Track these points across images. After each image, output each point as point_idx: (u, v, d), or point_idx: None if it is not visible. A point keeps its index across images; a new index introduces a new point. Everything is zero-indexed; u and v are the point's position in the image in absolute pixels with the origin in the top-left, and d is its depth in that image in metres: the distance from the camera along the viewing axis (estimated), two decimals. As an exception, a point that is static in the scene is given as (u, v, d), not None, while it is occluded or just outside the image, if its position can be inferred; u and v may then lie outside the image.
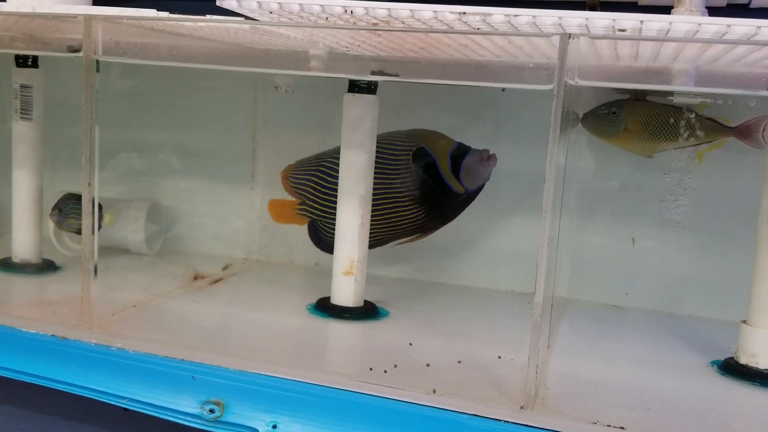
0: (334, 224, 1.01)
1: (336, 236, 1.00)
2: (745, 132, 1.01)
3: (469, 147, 1.06)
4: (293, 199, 1.13)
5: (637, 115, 1.07)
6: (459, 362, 0.84)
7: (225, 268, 1.20)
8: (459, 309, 1.08)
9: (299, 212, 1.13)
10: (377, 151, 0.98)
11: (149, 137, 1.26)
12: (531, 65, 0.66)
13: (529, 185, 1.15)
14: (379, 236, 1.08)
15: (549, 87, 0.67)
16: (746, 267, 0.87)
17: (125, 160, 1.25)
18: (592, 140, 1.12)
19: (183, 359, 0.80)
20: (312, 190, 1.11)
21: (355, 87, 0.97)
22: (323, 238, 1.12)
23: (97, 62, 0.83)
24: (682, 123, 1.04)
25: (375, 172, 1.00)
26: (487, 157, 1.05)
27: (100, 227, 0.89)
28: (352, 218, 0.98)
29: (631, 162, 1.11)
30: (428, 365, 0.82)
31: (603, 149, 1.12)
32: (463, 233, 1.18)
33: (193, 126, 1.26)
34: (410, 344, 0.89)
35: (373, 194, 1.00)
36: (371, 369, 0.79)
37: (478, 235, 1.19)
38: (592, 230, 1.15)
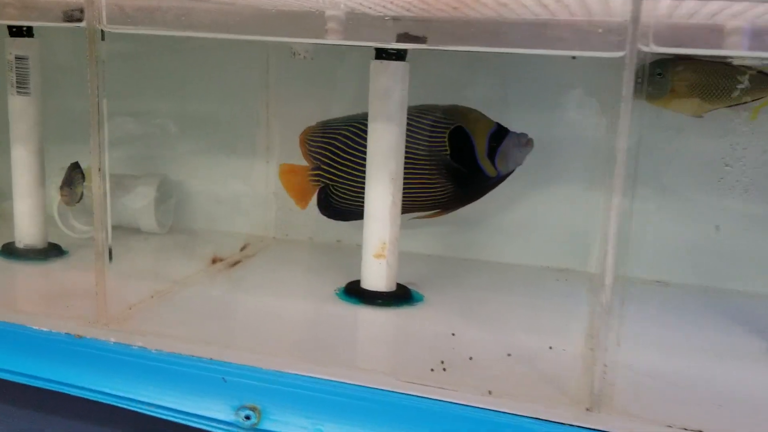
0: (346, 190, 0.98)
1: (366, 216, 0.92)
2: None
3: (508, 129, 0.99)
4: (306, 164, 1.06)
5: (684, 75, 1.00)
6: (509, 355, 0.78)
7: (243, 248, 1.13)
8: (495, 290, 1.02)
9: (312, 178, 1.06)
10: (410, 122, 0.91)
11: (156, 107, 1.17)
12: (600, 30, 0.58)
13: (564, 155, 1.08)
14: None
15: (620, 54, 0.59)
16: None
17: (131, 132, 1.16)
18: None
19: (212, 359, 0.74)
20: (330, 154, 1.04)
21: (382, 53, 0.88)
22: (333, 203, 1.06)
23: (102, 31, 0.74)
24: (735, 80, 0.97)
25: (405, 143, 0.93)
26: (526, 142, 0.99)
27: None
28: (382, 197, 0.91)
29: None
30: (471, 359, 0.76)
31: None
32: (491, 206, 1.11)
33: (202, 95, 1.17)
34: (453, 335, 0.83)
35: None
36: (432, 370, 0.72)
37: (507, 207, 1.12)
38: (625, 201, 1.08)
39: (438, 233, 1.15)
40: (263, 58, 1.15)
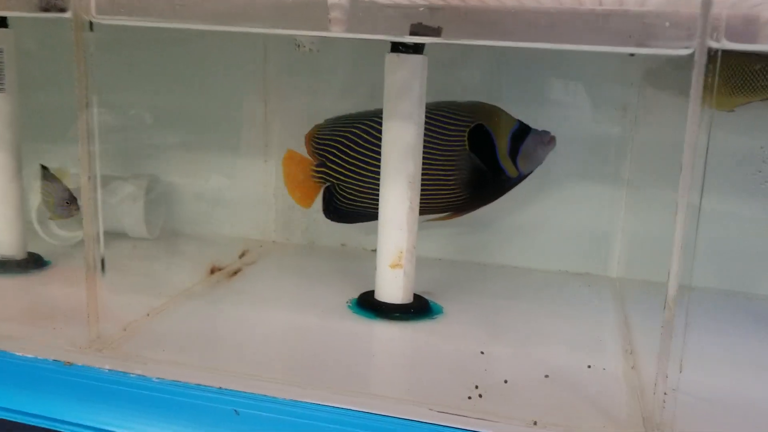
0: (353, 190, 0.92)
1: (381, 223, 0.85)
2: None
3: (530, 127, 0.92)
4: (310, 159, 0.99)
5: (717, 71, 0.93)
6: (546, 377, 0.71)
7: (242, 255, 1.05)
8: (515, 298, 0.95)
9: (315, 175, 0.99)
10: (427, 120, 0.84)
11: (145, 103, 1.08)
12: (667, 23, 0.51)
13: (581, 152, 1.01)
14: None
15: (687, 52, 0.52)
16: None
17: (117, 130, 1.07)
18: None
19: (221, 387, 0.66)
20: (337, 152, 0.96)
21: (399, 45, 0.81)
22: (338, 205, 0.99)
23: (91, 22, 0.66)
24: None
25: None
26: (548, 140, 0.92)
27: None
28: (399, 202, 0.83)
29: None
30: (506, 382, 0.69)
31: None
32: (504, 206, 1.04)
33: (194, 89, 1.08)
34: (482, 353, 0.76)
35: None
36: (469, 398, 0.65)
37: (521, 207, 1.06)
38: (649, 200, 1.02)
39: (448, 235, 1.08)
40: (260, 51, 1.07)
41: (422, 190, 0.89)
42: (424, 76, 0.81)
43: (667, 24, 0.51)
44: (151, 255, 1.04)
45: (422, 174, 0.88)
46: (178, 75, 1.09)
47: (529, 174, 0.95)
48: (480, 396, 0.66)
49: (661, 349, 0.58)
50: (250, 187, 1.12)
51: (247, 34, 1.04)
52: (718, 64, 0.51)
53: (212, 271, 0.96)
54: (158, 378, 0.68)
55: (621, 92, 0.99)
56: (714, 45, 0.51)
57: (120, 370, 0.69)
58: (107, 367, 0.69)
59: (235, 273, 0.99)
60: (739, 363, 0.78)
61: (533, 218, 1.06)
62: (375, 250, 1.12)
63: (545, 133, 0.93)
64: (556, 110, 1.01)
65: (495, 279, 1.02)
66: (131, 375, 0.68)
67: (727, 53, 0.94)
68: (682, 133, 0.99)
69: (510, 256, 1.07)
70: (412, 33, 0.74)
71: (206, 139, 1.10)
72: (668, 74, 0.96)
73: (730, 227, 0.99)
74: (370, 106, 0.95)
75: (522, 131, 0.93)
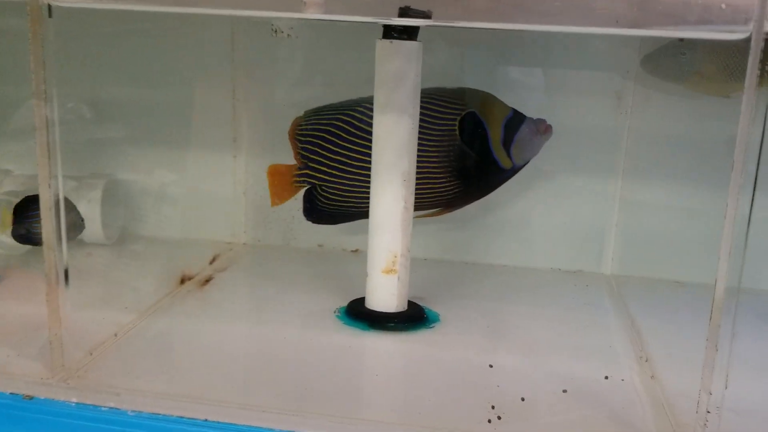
0: (336, 189, 0.87)
1: (372, 226, 0.78)
2: None
3: (524, 115, 0.86)
4: (293, 164, 0.91)
5: (712, 55, 0.89)
6: (564, 392, 0.65)
7: (213, 260, 0.96)
8: (513, 301, 0.89)
9: (296, 180, 0.91)
10: None
11: (101, 95, 0.98)
12: (723, 5, 0.46)
13: (574, 144, 0.96)
14: None
15: (742, 36, 0.47)
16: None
17: (72, 125, 0.97)
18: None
19: (207, 420, 0.59)
20: (319, 149, 0.88)
21: (392, 31, 0.74)
22: (319, 206, 0.91)
23: (50, 6, 0.56)
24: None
25: None
26: (544, 129, 0.86)
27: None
28: (393, 202, 0.77)
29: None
30: (523, 399, 0.64)
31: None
32: (491, 201, 0.98)
33: (156, 79, 0.99)
34: (490, 366, 0.70)
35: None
36: (489, 421, 0.59)
37: (509, 203, 1.00)
38: (643, 195, 0.98)
39: (433, 233, 1.02)
40: (227, 36, 0.98)
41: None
42: (419, 64, 0.75)
43: (723, 6, 0.46)
44: (111, 263, 0.94)
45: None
46: (138, 66, 0.99)
47: (524, 165, 0.89)
48: (499, 418, 0.60)
49: (705, 363, 0.53)
50: (218, 186, 1.03)
51: (213, 20, 0.95)
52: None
53: (182, 281, 0.87)
54: (134, 411, 0.60)
55: (616, 80, 0.94)
56: (773, 30, 0.45)
57: (90, 403, 0.60)
58: (74, 400, 0.61)
59: (207, 281, 0.90)
60: (746, 364, 0.74)
61: (522, 214, 1.01)
62: (356, 251, 1.07)
63: (541, 121, 0.87)
64: (547, 99, 0.96)
65: (486, 280, 0.97)
66: (103, 409, 0.60)
67: (723, 44, 0.91)
68: (678, 123, 0.95)
69: (499, 255, 1.02)
70: (401, 15, 0.67)
71: (169, 134, 1.00)
72: (665, 61, 0.91)
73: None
74: (353, 96, 0.87)
75: (516, 120, 0.86)
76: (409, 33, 0.74)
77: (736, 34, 0.47)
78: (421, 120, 0.85)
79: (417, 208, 0.91)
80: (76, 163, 1.00)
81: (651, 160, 0.95)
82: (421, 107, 0.85)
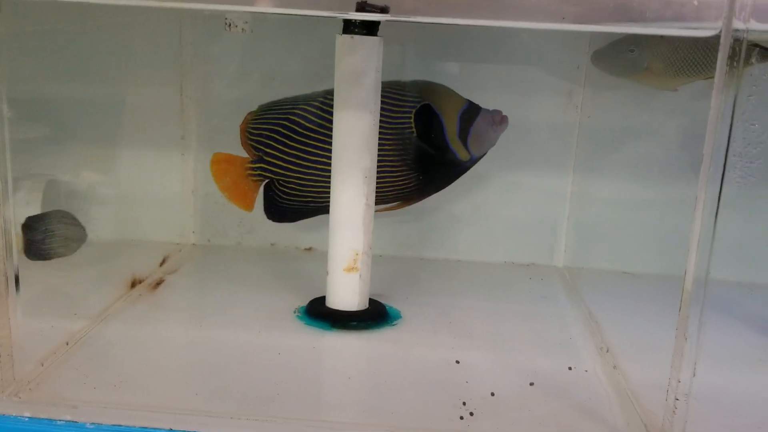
0: (294, 185, 0.85)
1: (333, 224, 0.77)
2: None
3: (480, 106, 0.86)
4: (246, 156, 0.89)
5: (660, 53, 0.92)
6: (532, 384, 0.66)
7: (163, 262, 0.93)
8: (470, 295, 0.90)
9: (252, 172, 0.88)
10: None
11: (40, 91, 0.93)
12: (696, 1, 0.46)
13: (526, 138, 0.97)
14: None
15: (712, 33, 0.48)
16: None
17: (8, 123, 0.91)
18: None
19: (172, 429, 0.56)
20: (275, 143, 0.86)
21: (352, 26, 0.72)
22: (278, 202, 0.89)
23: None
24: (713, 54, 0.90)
25: None
26: (500, 120, 0.86)
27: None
28: (355, 200, 0.76)
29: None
30: (493, 395, 0.64)
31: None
32: (443, 196, 0.98)
33: (100, 74, 0.94)
34: (457, 362, 0.70)
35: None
36: (461, 418, 0.59)
37: (461, 197, 1.00)
38: (594, 188, 1.00)
39: (386, 229, 1.01)
40: (175, 30, 0.94)
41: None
42: (380, 60, 0.74)
43: (696, 2, 0.47)
44: (59, 269, 0.89)
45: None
46: (80, 60, 0.94)
47: (481, 157, 0.89)
48: (471, 414, 0.60)
49: (675, 351, 0.54)
50: (166, 185, 0.99)
51: (160, 13, 0.91)
52: (744, 47, 0.47)
53: (133, 284, 0.84)
54: (93, 424, 0.57)
55: (567, 75, 0.95)
56: (740, 26, 0.46)
57: (44, 417, 0.57)
58: (27, 414, 0.57)
59: (159, 284, 0.87)
60: (730, 355, 0.76)
61: (475, 209, 1.01)
62: (309, 249, 1.05)
63: (496, 112, 0.87)
64: (499, 95, 0.96)
65: (443, 275, 0.97)
66: (59, 422, 0.57)
67: (672, 42, 0.94)
68: (628, 118, 0.98)
69: (454, 250, 1.02)
70: (358, 10, 0.66)
71: (114, 132, 0.96)
72: (614, 57, 0.93)
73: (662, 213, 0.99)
74: (309, 92, 0.86)
75: (472, 111, 0.86)
76: (370, 28, 0.73)
77: (708, 31, 0.48)
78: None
79: (377, 202, 0.90)
80: (15, 162, 0.95)
81: (601, 154, 0.97)
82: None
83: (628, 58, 0.95)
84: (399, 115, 0.86)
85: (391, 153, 0.86)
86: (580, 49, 0.95)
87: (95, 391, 0.61)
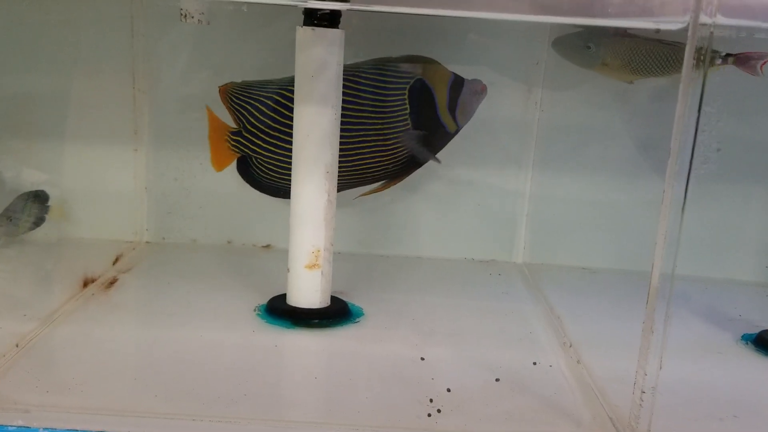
0: (273, 161, 0.85)
1: (294, 219, 0.75)
2: (743, 60, 0.91)
3: (463, 77, 0.86)
4: (232, 125, 0.88)
5: (616, 51, 0.93)
6: (497, 380, 0.66)
7: (116, 261, 0.89)
8: (432, 292, 0.89)
9: (231, 142, 0.87)
10: (361, 83, 0.75)
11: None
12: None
13: (484, 134, 0.97)
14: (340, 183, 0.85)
15: (677, 27, 0.48)
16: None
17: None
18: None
19: (131, 433, 0.54)
20: (254, 119, 0.85)
21: (313, 17, 0.71)
22: (257, 177, 0.89)
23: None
24: (670, 56, 0.92)
25: (355, 109, 0.82)
26: (481, 89, 0.87)
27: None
28: (316, 196, 0.74)
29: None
30: (449, 390, 0.63)
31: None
32: (399, 192, 0.98)
33: (47, 65, 0.90)
34: (422, 359, 0.69)
35: (348, 134, 0.80)
36: (429, 415, 0.58)
37: (418, 193, 1.00)
38: (552, 185, 1.00)
39: (344, 226, 1.00)
40: (126, 20, 0.91)
41: (359, 161, 0.81)
42: (342, 53, 0.72)
43: (661, -2, 0.47)
44: (4, 268, 0.86)
45: (360, 144, 0.80)
46: (25, 50, 0.91)
47: (462, 127, 0.89)
48: (438, 411, 0.60)
49: (641, 345, 0.54)
50: (118, 181, 0.96)
51: (111, 3, 0.88)
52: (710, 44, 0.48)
53: (85, 284, 0.81)
54: (47, 429, 0.54)
55: (526, 71, 0.96)
56: (707, 20, 0.47)
57: (-5, 423, 0.54)
58: (-25, 421, 0.54)
59: (112, 283, 0.84)
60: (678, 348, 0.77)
61: (435, 206, 1.01)
62: (267, 247, 1.03)
63: (477, 81, 0.88)
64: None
65: (403, 272, 0.96)
66: (10, 428, 0.54)
67: (628, 42, 0.96)
68: (586, 114, 0.99)
69: (413, 247, 1.02)
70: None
71: (63, 126, 0.92)
72: (573, 49, 0.94)
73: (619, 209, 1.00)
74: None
75: (458, 82, 0.86)
76: (331, 20, 0.72)
77: (676, 24, 0.48)
78: (372, 92, 0.83)
79: (364, 183, 0.89)
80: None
81: (560, 151, 0.98)
82: (372, 79, 0.83)
83: (584, 53, 0.96)
84: (394, 92, 0.85)
85: (384, 132, 0.85)
86: (540, 45, 0.95)
87: (48, 394, 0.59)
